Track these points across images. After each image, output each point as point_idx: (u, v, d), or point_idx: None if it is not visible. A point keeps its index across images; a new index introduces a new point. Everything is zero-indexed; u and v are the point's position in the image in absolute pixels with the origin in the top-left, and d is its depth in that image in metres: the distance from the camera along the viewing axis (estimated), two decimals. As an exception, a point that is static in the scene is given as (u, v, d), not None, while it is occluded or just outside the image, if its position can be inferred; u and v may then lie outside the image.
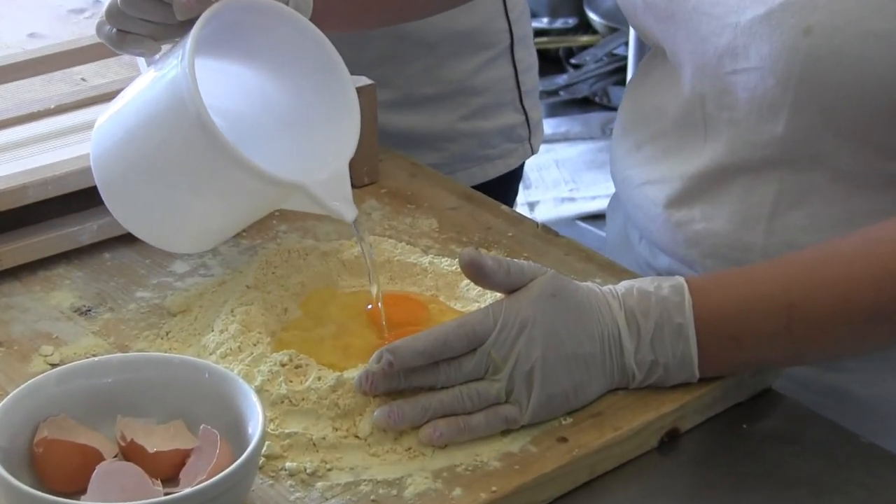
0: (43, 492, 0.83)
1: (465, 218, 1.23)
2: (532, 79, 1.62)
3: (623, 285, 1.00)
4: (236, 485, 0.85)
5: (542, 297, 0.96)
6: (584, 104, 3.46)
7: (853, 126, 1.03)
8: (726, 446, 0.99)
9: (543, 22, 3.54)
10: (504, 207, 1.25)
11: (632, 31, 2.92)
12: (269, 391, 0.95)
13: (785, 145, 1.06)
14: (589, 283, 1.00)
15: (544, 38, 3.49)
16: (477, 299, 1.06)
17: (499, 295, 0.99)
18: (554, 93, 3.44)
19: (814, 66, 1.00)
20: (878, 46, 0.98)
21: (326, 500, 0.90)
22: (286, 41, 1.06)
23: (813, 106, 1.03)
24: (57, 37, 1.44)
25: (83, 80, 1.34)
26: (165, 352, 1.03)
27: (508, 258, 0.98)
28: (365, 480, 0.92)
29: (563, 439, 0.95)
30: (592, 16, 3.49)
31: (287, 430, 0.94)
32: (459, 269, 0.99)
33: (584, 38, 3.55)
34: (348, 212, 1.03)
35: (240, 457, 0.85)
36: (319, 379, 0.96)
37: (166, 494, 0.84)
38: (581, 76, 3.46)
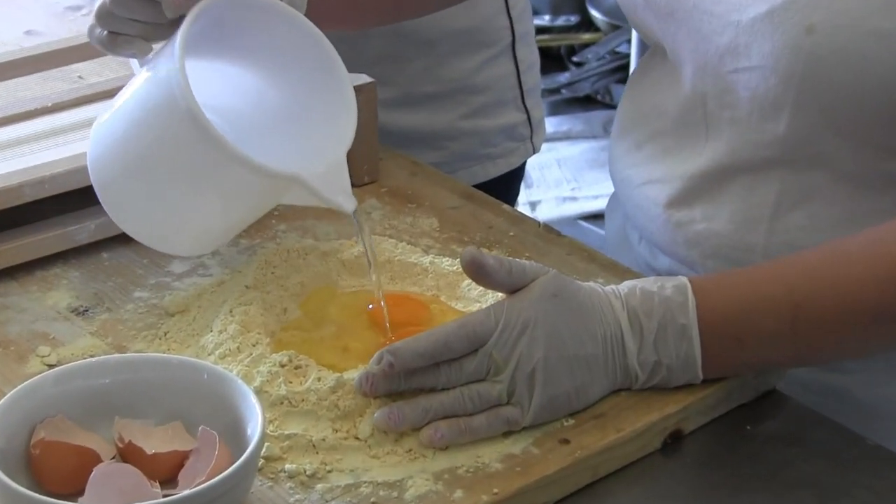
0: (40, 494, 0.83)
1: (466, 217, 1.23)
2: (534, 77, 1.61)
3: (626, 285, 0.99)
4: (235, 487, 0.85)
5: (544, 297, 0.96)
6: (587, 102, 3.46)
7: (855, 126, 1.03)
8: (730, 448, 0.98)
9: (545, 19, 3.54)
10: (505, 207, 1.25)
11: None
12: (269, 392, 0.95)
13: (786, 145, 1.06)
14: (591, 283, 1.00)
15: (546, 36, 3.49)
16: (478, 299, 1.06)
17: (500, 295, 0.98)
18: (556, 91, 3.44)
19: (816, 65, 1.00)
20: (880, 45, 0.98)
21: (326, 502, 0.90)
22: (281, 37, 1.05)
23: (815, 105, 1.03)
24: (54, 34, 1.43)
25: (80, 77, 1.33)
26: (164, 352, 1.02)
27: (510, 258, 0.98)
28: (365, 482, 0.91)
29: (566, 441, 0.95)
30: (594, 13, 3.49)
31: (286, 432, 0.93)
32: (460, 269, 0.98)
33: (587, 36, 3.55)
34: (347, 203, 1.02)
35: (239, 458, 0.85)
36: (319, 380, 0.95)
37: (165, 496, 0.84)
38: (583, 74, 3.46)
